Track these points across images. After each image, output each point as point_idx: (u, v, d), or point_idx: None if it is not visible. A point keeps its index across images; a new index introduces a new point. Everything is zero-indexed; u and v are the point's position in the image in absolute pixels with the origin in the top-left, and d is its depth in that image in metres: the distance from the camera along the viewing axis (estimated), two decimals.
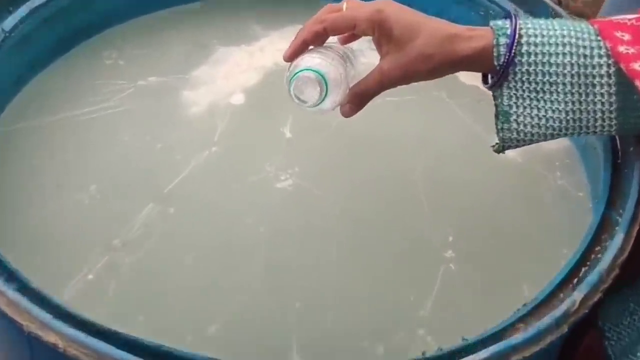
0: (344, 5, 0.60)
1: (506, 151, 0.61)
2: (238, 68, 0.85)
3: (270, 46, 0.89)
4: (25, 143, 0.73)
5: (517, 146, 0.60)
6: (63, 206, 0.67)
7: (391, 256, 0.65)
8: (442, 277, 0.64)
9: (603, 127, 0.55)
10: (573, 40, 0.54)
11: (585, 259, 0.56)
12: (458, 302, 0.62)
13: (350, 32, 0.61)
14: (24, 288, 0.48)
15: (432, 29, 0.57)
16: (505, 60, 0.55)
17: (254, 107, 0.80)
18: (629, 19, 0.55)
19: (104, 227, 0.65)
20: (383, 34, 0.58)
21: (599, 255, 0.55)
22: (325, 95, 0.57)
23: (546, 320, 0.49)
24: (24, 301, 0.46)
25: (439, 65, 0.57)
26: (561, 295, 0.53)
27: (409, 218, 0.69)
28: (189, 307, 0.60)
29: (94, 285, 0.61)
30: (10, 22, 0.71)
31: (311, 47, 0.61)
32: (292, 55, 0.60)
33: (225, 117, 0.78)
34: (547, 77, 0.55)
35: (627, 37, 0.53)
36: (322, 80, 0.56)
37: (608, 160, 0.65)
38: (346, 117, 0.61)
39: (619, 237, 0.56)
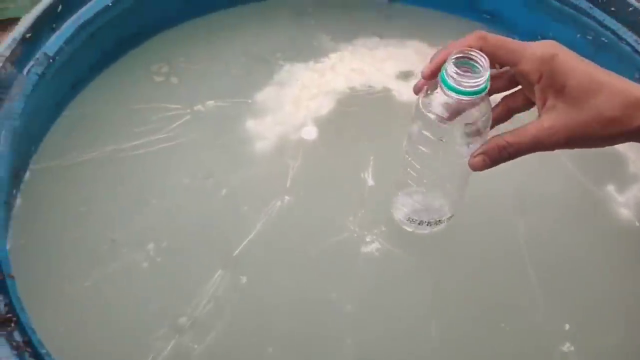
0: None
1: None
2: (307, 92, 0.74)
3: (342, 65, 0.77)
4: (66, 185, 0.62)
5: None
6: (118, 270, 0.57)
7: (498, 351, 0.56)
8: None
9: None
10: None
11: None
12: None
13: (507, 65, 0.50)
14: None
15: (615, 88, 0.47)
16: None
17: (328, 143, 0.69)
18: None
19: (168, 300, 0.56)
20: (552, 83, 0.47)
21: None
22: (486, 86, 0.47)
23: None
24: None
25: (618, 133, 0.47)
26: None
27: (515, 297, 0.60)
28: None
29: None
30: (54, 43, 0.59)
31: None
32: (436, 70, 0.49)
33: (297, 155, 0.68)
34: None
35: None
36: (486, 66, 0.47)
37: None
38: (475, 169, 0.51)
39: None
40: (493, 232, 0.65)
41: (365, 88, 0.75)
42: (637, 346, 0.57)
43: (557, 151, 0.50)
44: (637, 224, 0.66)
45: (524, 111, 0.54)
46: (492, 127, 0.53)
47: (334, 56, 0.78)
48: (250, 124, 0.70)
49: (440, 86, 0.48)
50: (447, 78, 0.47)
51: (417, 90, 0.52)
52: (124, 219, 0.61)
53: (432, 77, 0.50)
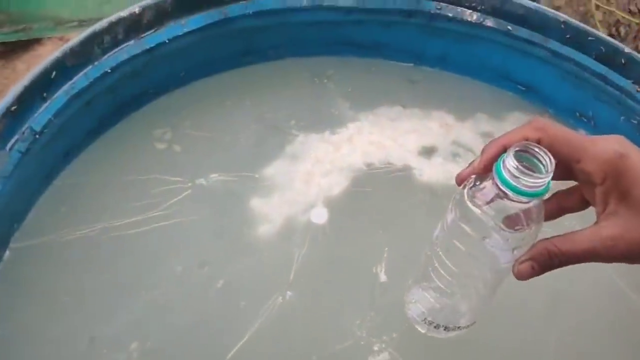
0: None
1: None
2: (320, 167, 0.68)
3: (360, 137, 0.71)
4: (49, 268, 0.57)
5: None
6: None
7: None
8: None
9: None
10: None
11: None
12: None
13: (568, 161, 0.43)
14: None
15: None
16: None
17: (339, 229, 0.63)
18: None
19: None
20: (616, 187, 0.41)
21: None
22: (547, 189, 0.41)
23: None
24: None
25: None
26: None
27: None
28: None
29: None
30: (42, 116, 0.54)
31: None
32: (490, 163, 0.43)
33: (304, 243, 0.61)
34: None
35: None
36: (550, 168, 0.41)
37: None
38: (521, 277, 0.44)
39: None
40: (520, 341, 0.58)
41: (383, 165, 0.69)
42: None
43: None
44: None
45: (577, 211, 0.47)
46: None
47: (352, 126, 0.72)
48: (255, 203, 0.64)
49: (495, 180, 0.41)
50: (504, 172, 0.40)
51: (460, 181, 0.45)
52: (107, 312, 0.55)
53: (486, 172, 0.43)
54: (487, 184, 0.42)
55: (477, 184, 0.44)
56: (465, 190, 0.44)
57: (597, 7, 1.93)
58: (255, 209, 0.63)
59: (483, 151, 0.44)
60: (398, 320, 0.56)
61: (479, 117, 0.75)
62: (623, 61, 0.67)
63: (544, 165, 0.40)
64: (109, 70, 0.59)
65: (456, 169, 0.70)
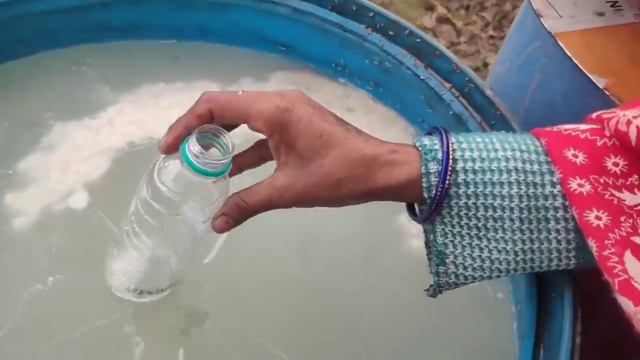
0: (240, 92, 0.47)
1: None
2: (79, 153, 0.67)
3: (121, 117, 0.71)
4: None
5: (456, 287, 0.48)
6: None
7: None
8: None
9: (559, 265, 0.45)
10: (520, 165, 0.43)
11: None
12: None
13: (239, 124, 0.47)
14: None
15: (345, 147, 0.44)
16: (438, 193, 0.43)
17: (100, 210, 0.63)
18: (582, 131, 0.44)
19: None
20: (283, 139, 0.45)
21: None
22: (228, 167, 0.45)
23: None
24: None
25: (349, 194, 0.45)
26: None
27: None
28: None
29: None
30: None
31: None
32: (174, 144, 0.46)
33: (62, 229, 0.61)
34: (490, 212, 0.44)
35: (580, 157, 0.43)
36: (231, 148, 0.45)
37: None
38: (219, 232, 0.48)
39: None
40: (275, 280, 0.60)
41: (145, 142, 0.69)
42: None
43: None
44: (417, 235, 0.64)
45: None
46: (242, 171, 0.51)
47: (112, 109, 0.72)
48: (8, 199, 0.62)
49: (181, 161, 0.44)
50: (189, 155, 0.43)
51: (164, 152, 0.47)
52: None
53: (172, 151, 0.46)
54: (175, 162, 0.45)
55: (165, 162, 0.46)
56: (155, 168, 0.46)
57: None
58: (8, 205, 0.62)
59: (168, 130, 0.47)
60: None
61: (243, 81, 0.77)
62: (354, 8, 0.72)
63: (224, 145, 0.44)
64: None
65: None
